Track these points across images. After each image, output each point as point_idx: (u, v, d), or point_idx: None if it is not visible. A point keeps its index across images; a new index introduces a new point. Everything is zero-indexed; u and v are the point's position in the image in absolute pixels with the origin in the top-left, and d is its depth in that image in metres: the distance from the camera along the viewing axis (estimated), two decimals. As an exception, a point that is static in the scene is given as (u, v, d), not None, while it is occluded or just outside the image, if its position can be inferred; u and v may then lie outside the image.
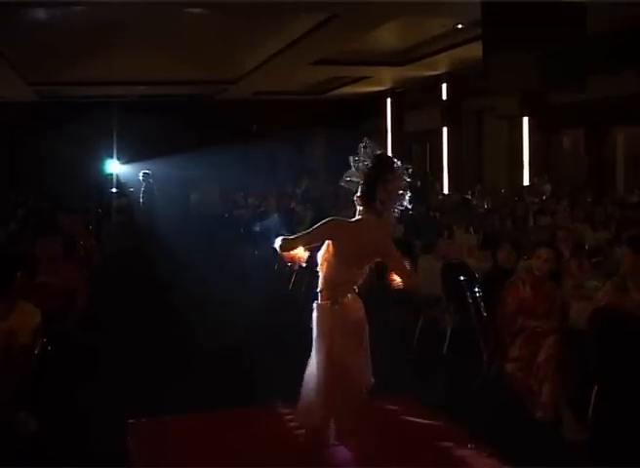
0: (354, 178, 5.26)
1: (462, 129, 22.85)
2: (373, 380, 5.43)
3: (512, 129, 21.18)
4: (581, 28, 11.27)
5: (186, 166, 24.14)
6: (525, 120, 19.84)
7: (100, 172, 27.01)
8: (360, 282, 5.37)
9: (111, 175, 27.16)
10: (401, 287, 5.38)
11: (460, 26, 15.98)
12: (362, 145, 5.30)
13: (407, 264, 5.45)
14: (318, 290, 5.44)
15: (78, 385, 7.68)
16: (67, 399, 7.28)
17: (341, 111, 27.49)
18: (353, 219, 5.28)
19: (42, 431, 5.88)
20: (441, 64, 20.44)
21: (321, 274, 5.38)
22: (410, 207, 5.34)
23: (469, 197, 18.20)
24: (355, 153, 5.23)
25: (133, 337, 9.84)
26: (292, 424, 6.39)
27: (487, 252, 9.71)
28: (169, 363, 8.59)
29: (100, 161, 26.97)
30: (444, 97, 22.65)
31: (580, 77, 11.45)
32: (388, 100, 26.51)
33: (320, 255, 5.35)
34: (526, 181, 19.66)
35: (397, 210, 5.26)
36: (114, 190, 26.26)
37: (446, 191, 21.42)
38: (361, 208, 5.25)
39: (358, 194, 5.25)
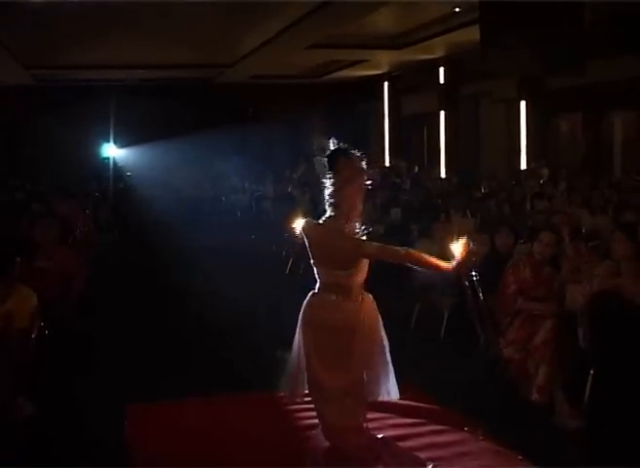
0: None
1: (460, 113, 22.81)
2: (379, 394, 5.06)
3: (510, 113, 21.13)
4: (580, 12, 11.24)
5: (183, 149, 24.12)
6: (523, 104, 19.79)
7: (96, 156, 26.95)
8: (358, 282, 5.05)
9: (108, 158, 27.11)
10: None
11: (457, 10, 15.93)
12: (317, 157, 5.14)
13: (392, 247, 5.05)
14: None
15: (74, 370, 7.70)
16: (64, 383, 7.30)
17: (338, 95, 27.42)
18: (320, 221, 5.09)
19: (39, 415, 5.90)
20: (438, 48, 20.36)
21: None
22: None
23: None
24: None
25: (129, 322, 9.86)
26: (288, 408, 6.45)
27: (484, 235, 9.73)
28: (164, 348, 8.61)
29: (98, 145, 26.91)
30: (441, 80, 22.57)
31: (578, 61, 11.42)
32: (385, 84, 26.43)
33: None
34: (523, 165, 19.63)
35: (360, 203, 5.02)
36: (111, 174, 26.22)
37: (443, 175, 21.39)
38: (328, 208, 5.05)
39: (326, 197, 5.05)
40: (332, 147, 5.02)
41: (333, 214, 4.99)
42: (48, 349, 6.71)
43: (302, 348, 5.08)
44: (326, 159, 5.02)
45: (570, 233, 8.20)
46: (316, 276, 5.14)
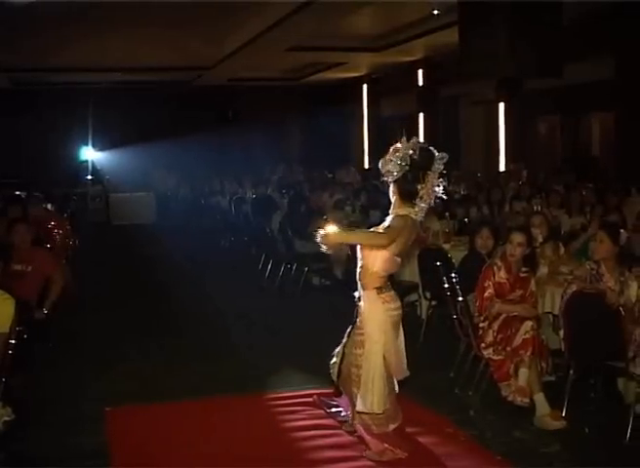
0: (393, 170, 5.26)
1: (439, 114, 22.87)
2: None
3: (488, 115, 21.22)
4: (557, 14, 11.28)
5: (162, 152, 24.07)
6: (501, 106, 19.89)
7: (75, 159, 26.86)
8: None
9: (86, 161, 27.02)
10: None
11: (435, 12, 15.98)
12: (404, 138, 5.29)
13: None
14: (361, 280, 5.49)
15: (54, 372, 7.67)
16: (43, 386, 7.26)
17: (317, 97, 27.44)
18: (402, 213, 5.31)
19: (18, 420, 5.87)
20: (417, 50, 20.44)
21: (365, 264, 5.42)
22: (445, 197, 5.48)
23: (445, 183, 18.20)
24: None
25: (110, 323, 9.83)
26: (278, 410, 6.45)
27: (463, 237, 9.75)
28: (145, 349, 8.59)
29: (76, 148, 26.82)
30: (420, 82, 22.65)
31: (556, 63, 11.46)
32: (364, 86, 26.49)
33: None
34: (502, 167, 19.72)
35: (432, 199, 5.37)
36: (89, 177, 26.15)
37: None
38: (397, 201, 5.31)
39: (396, 188, 5.31)
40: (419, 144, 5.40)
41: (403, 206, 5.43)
42: (27, 352, 6.70)
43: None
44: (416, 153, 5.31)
45: (548, 235, 8.22)
46: (366, 272, 5.49)
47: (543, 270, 7.67)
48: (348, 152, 26.56)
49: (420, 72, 22.51)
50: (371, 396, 5.34)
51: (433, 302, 8.75)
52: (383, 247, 5.26)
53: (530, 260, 7.12)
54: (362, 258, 5.43)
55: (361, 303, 5.49)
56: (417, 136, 5.34)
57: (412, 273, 9.05)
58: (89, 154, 27.16)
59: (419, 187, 5.26)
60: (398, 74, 23.58)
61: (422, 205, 5.33)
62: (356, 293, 5.53)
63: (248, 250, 14.13)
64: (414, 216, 5.32)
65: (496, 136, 20.23)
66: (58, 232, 11.02)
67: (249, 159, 24.87)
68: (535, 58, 11.14)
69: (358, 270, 5.49)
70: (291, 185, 18.00)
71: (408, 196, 5.29)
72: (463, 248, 8.99)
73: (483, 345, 6.69)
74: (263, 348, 8.54)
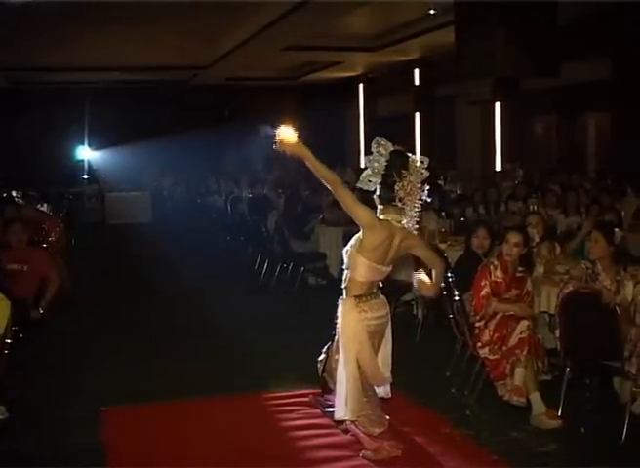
0: (372, 179, 5.27)
1: (435, 114, 22.87)
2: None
3: (485, 114, 21.23)
4: (554, 14, 11.29)
5: (159, 152, 24.04)
6: (497, 106, 19.89)
7: (71, 158, 26.84)
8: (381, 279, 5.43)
9: (83, 161, 27.00)
10: (430, 288, 5.49)
11: (432, 12, 15.98)
12: (374, 144, 5.31)
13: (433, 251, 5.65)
14: (343, 286, 5.43)
15: (49, 371, 7.66)
16: (38, 386, 7.25)
17: (314, 97, 27.42)
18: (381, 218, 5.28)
19: (13, 420, 5.86)
20: (413, 50, 20.43)
21: (350, 271, 5.36)
22: (429, 200, 5.38)
23: (441, 182, 18.23)
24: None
25: (105, 322, 9.83)
26: (274, 409, 6.44)
27: (459, 237, 9.75)
28: (140, 348, 8.57)
29: (72, 147, 26.79)
30: (416, 82, 22.65)
31: (552, 63, 11.47)
32: (361, 86, 26.49)
33: (349, 251, 5.34)
34: (498, 167, 19.73)
35: (417, 204, 5.27)
36: (85, 177, 26.14)
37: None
38: (382, 207, 5.26)
39: (377, 194, 5.26)
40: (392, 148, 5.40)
41: (388, 212, 5.40)
42: (22, 352, 6.69)
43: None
44: (387, 157, 5.35)
45: (544, 234, 8.22)
46: (350, 279, 5.45)
47: (539, 270, 7.67)
48: (344, 151, 26.56)
49: (417, 72, 22.51)
50: (343, 403, 5.32)
51: (429, 302, 8.75)
52: (339, 196, 5.22)
53: (526, 260, 7.13)
54: (346, 264, 5.40)
55: (339, 309, 5.44)
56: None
57: (407, 272, 9.04)
58: (85, 153, 27.15)
59: (396, 188, 5.22)
60: (394, 74, 23.58)
61: (410, 212, 5.27)
62: (340, 298, 5.49)
63: (244, 249, 14.12)
64: (396, 224, 5.27)
65: (492, 136, 20.23)
66: (50, 233, 11.03)
67: (245, 158, 24.85)
68: (532, 57, 11.15)
69: (344, 276, 5.47)
70: (287, 185, 17.98)
71: (388, 199, 5.25)
72: (460, 247, 8.99)
73: (479, 345, 6.69)
74: (259, 348, 8.53)
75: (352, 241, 5.32)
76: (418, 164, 5.29)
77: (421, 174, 5.28)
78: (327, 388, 5.95)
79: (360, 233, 5.27)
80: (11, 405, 6.05)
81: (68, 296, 9.60)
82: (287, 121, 5.09)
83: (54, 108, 24.26)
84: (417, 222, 5.38)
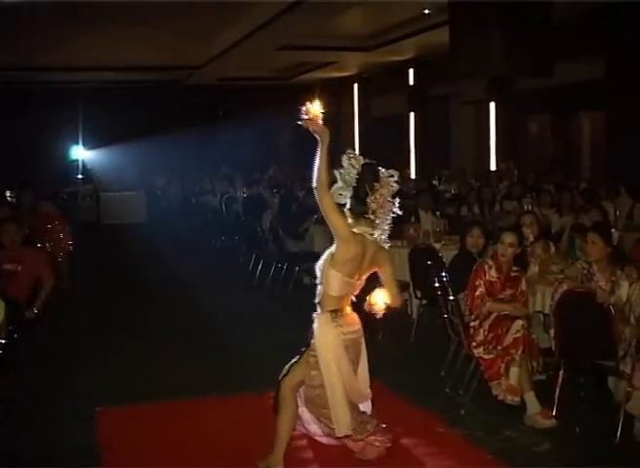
0: (343, 192, 5.23)
1: (429, 114, 22.88)
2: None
3: (479, 114, 21.25)
4: (548, 14, 11.31)
5: (153, 151, 24.01)
6: (492, 105, 19.91)
7: (65, 157, 26.79)
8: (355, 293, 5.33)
9: (77, 160, 26.96)
10: (381, 311, 5.31)
11: (426, 12, 15.98)
12: (346, 157, 5.29)
13: (395, 282, 5.43)
14: (317, 301, 5.33)
15: (44, 372, 7.66)
16: (33, 386, 7.25)
17: (308, 97, 27.32)
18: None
19: (8, 420, 5.85)
20: (408, 50, 20.42)
21: (323, 286, 5.28)
22: (399, 213, 5.31)
23: (436, 182, 18.27)
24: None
25: (100, 322, 9.83)
26: (268, 409, 6.42)
27: (454, 237, 9.76)
28: (136, 348, 8.57)
29: (66, 147, 26.75)
30: (411, 82, 22.66)
31: (547, 63, 11.48)
32: (355, 86, 26.48)
33: (322, 266, 5.26)
34: (493, 166, 19.74)
35: (388, 217, 5.24)
36: (80, 176, 26.10)
37: (413, 176, 21.43)
38: (353, 220, 5.22)
39: (348, 207, 5.22)
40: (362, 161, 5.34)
41: (359, 224, 5.28)
42: (17, 352, 6.68)
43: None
44: (359, 171, 5.30)
45: (538, 234, 8.23)
46: (323, 293, 5.35)
47: (534, 269, 7.69)
48: (338, 152, 26.49)
49: (411, 72, 22.51)
50: (339, 419, 5.22)
51: (424, 301, 8.76)
52: (320, 199, 5.10)
53: (520, 260, 7.14)
54: (319, 278, 5.32)
55: (314, 325, 5.32)
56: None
57: (402, 272, 9.05)
58: (79, 153, 27.10)
59: (368, 200, 5.18)
60: (389, 74, 23.57)
61: (382, 225, 5.22)
62: (314, 314, 5.37)
63: (239, 249, 14.12)
64: (368, 236, 5.20)
65: (486, 136, 20.24)
66: (59, 231, 11.14)
67: (239, 158, 24.84)
68: (526, 57, 11.16)
69: (317, 290, 5.37)
70: (282, 184, 17.99)
71: (360, 212, 5.20)
72: (454, 247, 8.99)
73: (474, 344, 6.70)
74: (255, 347, 8.54)
75: (324, 255, 5.24)
76: (388, 177, 5.24)
77: (392, 187, 5.24)
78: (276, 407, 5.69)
79: (333, 247, 5.21)
80: (6, 405, 6.04)
81: (67, 295, 9.61)
82: (316, 100, 5.11)
83: (48, 108, 24.18)
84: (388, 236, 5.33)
